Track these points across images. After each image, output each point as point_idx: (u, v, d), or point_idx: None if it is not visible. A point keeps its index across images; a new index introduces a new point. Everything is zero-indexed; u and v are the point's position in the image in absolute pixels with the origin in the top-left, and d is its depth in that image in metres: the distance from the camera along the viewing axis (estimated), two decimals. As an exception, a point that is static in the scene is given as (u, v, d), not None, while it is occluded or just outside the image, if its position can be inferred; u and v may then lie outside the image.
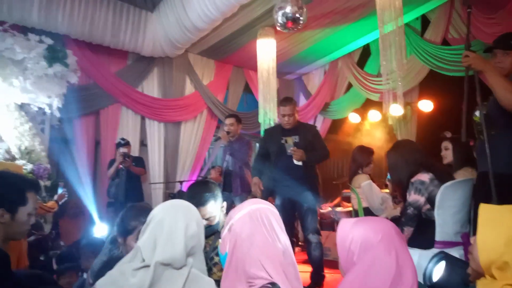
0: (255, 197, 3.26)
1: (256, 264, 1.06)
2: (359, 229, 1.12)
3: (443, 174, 2.39)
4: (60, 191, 3.96)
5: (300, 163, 3.37)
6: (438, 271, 1.38)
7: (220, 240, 1.32)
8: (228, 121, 4.27)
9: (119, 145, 4.42)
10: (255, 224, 1.12)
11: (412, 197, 2.35)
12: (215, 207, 1.85)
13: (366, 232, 1.10)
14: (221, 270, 1.50)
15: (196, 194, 1.82)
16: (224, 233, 1.22)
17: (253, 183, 3.45)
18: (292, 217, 3.61)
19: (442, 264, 1.38)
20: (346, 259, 1.12)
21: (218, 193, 1.88)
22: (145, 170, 4.87)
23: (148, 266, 1.12)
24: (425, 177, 2.35)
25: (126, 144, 4.50)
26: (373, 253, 1.06)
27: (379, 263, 1.05)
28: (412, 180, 2.38)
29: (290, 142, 3.35)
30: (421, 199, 2.33)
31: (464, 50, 2.11)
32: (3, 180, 1.49)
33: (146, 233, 1.20)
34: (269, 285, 1.03)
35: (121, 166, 4.17)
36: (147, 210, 1.76)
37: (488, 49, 2.22)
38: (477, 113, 2.21)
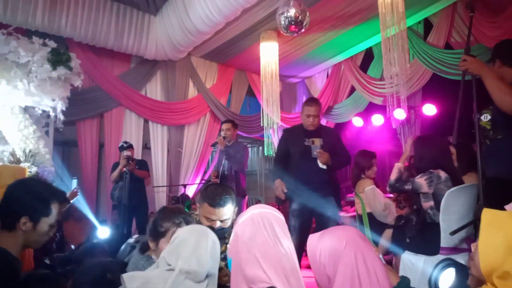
0: (281, 200, 3.36)
1: (256, 267, 1.06)
2: (325, 240, 1.16)
3: (458, 179, 2.46)
4: (74, 184, 3.88)
5: (324, 167, 3.14)
6: (445, 278, 1.37)
7: (227, 244, 1.35)
8: (225, 126, 4.36)
9: (122, 148, 4.42)
10: (256, 228, 1.12)
11: (420, 179, 2.45)
12: (231, 210, 1.87)
13: (331, 242, 1.14)
14: (226, 275, 1.51)
15: (217, 195, 1.82)
16: (231, 237, 1.22)
17: (276, 186, 3.18)
18: (309, 223, 3.29)
19: (450, 271, 1.37)
20: (319, 273, 1.15)
21: (234, 198, 1.91)
22: (149, 173, 4.88)
23: (173, 270, 1.14)
24: (443, 174, 2.43)
25: (129, 147, 4.50)
26: (342, 261, 1.09)
27: (351, 270, 1.07)
28: (432, 170, 2.46)
29: (317, 143, 3.12)
30: (425, 189, 2.42)
31: (464, 54, 2.11)
32: (30, 189, 1.48)
33: (170, 248, 1.23)
34: None
35: (124, 169, 4.16)
36: (179, 211, 1.77)
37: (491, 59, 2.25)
38: (483, 117, 2.21)
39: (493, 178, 2.01)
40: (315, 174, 3.10)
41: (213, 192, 1.84)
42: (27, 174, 3.67)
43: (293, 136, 3.34)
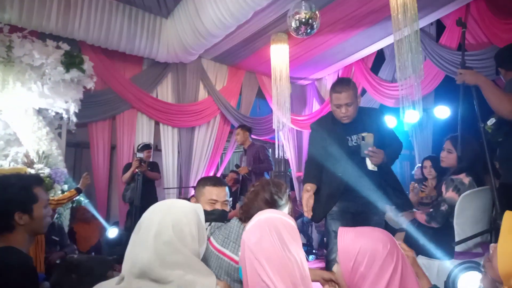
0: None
1: (262, 273, 1.04)
2: (366, 239, 1.15)
3: (482, 181, 2.42)
4: None
5: (375, 168, 2.40)
6: (466, 279, 1.38)
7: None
8: (236, 131, 4.72)
9: (145, 147, 4.52)
10: (262, 234, 1.10)
11: (450, 194, 2.38)
12: (228, 195, 1.94)
13: (374, 243, 1.14)
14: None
15: (216, 177, 1.94)
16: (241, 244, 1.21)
17: (304, 191, 2.36)
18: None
19: (472, 274, 1.37)
20: (351, 269, 1.14)
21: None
22: (160, 175, 4.93)
23: (123, 278, 1.04)
24: (466, 179, 2.39)
25: (149, 147, 4.64)
26: (381, 264, 1.10)
27: (386, 273, 1.09)
28: (454, 177, 2.41)
29: (369, 140, 2.33)
30: (458, 199, 2.35)
31: (460, 68, 2.20)
32: (7, 185, 1.48)
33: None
34: None
35: (137, 170, 4.20)
36: None
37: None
38: (489, 122, 2.22)
39: (504, 183, 2.04)
40: (362, 179, 2.37)
41: (210, 177, 2.01)
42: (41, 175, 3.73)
43: (329, 132, 2.50)
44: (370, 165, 2.38)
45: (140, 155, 4.32)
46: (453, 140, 2.63)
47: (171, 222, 1.09)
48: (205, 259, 1.36)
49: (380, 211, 2.44)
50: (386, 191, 2.39)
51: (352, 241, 1.17)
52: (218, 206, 1.84)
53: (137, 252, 1.05)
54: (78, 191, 3.46)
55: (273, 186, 1.58)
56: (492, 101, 2.00)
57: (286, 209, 1.60)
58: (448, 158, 2.66)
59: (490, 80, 2.11)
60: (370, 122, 2.44)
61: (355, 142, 2.42)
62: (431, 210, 2.47)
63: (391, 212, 3.12)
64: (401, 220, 3.07)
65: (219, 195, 1.86)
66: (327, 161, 2.44)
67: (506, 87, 2.12)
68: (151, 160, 4.76)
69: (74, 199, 3.55)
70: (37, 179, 1.61)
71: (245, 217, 1.56)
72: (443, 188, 2.44)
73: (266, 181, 1.63)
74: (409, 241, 2.66)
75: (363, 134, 2.35)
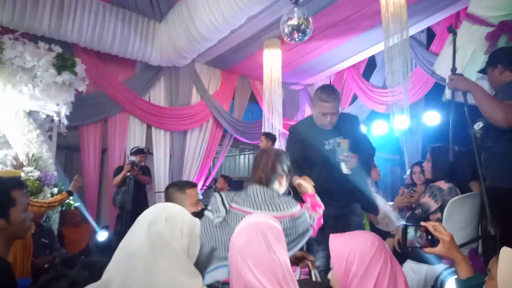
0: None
1: (249, 274, 1.09)
2: (356, 241, 1.24)
3: (465, 186, 2.46)
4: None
5: (350, 172, 2.44)
6: (454, 283, 1.40)
7: None
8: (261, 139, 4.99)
9: (138, 152, 4.51)
10: (250, 236, 1.15)
11: (425, 199, 2.44)
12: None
13: (362, 243, 1.23)
14: None
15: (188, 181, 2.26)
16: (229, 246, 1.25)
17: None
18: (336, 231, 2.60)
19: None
20: (343, 270, 1.22)
21: None
22: (151, 179, 4.91)
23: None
24: (444, 185, 2.42)
25: (143, 152, 4.63)
26: (371, 262, 1.18)
27: (377, 270, 1.17)
28: (431, 184, 2.46)
29: (345, 146, 2.38)
30: (433, 205, 2.40)
31: (451, 74, 2.18)
32: None
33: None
34: None
35: (128, 174, 4.19)
36: None
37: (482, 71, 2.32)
38: (476, 125, 2.24)
39: (490, 187, 2.03)
40: (337, 182, 2.43)
41: (184, 181, 2.41)
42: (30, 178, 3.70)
43: (308, 136, 2.58)
44: (345, 169, 2.44)
45: (132, 158, 4.30)
46: (431, 150, 2.73)
47: (165, 215, 1.15)
48: (227, 223, 1.69)
49: (359, 212, 2.56)
50: (357, 194, 2.49)
51: (342, 245, 1.25)
52: (200, 206, 1.98)
53: (133, 238, 1.11)
54: (70, 194, 3.43)
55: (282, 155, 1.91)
56: (484, 108, 1.99)
57: (284, 180, 1.90)
58: (428, 167, 2.73)
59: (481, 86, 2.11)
60: (346, 128, 2.53)
61: (332, 146, 2.49)
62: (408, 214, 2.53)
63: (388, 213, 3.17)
64: (393, 215, 3.12)
65: (198, 194, 2.05)
66: (305, 163, 2.52)
67: (500, 92, 2.10)
68: (143, 164, 4.75)
69: (64, 202, 3.53)
70: (16, 182, 1.56)
71: (266, 180, 1.84)
72: (422, 196, 2.51)
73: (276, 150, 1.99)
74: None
75: (339, 140, 2.43)
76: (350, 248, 1.21)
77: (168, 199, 2.00)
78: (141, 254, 1.06)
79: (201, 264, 1.50)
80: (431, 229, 1.33)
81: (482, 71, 2.33)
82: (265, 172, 1.85)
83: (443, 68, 2.61)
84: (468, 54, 2.50)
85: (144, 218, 1.16)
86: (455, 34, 2.26)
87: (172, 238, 1.11)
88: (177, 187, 2.02)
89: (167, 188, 2.09)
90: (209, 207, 1.82)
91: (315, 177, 2.34)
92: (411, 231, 1.34)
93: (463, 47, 2.48)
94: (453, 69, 2.21)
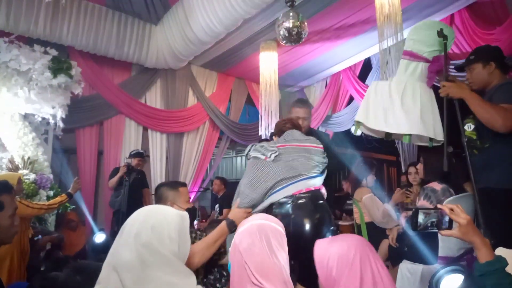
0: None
1: (250, 277, 1.10)
2: (335, 246, 1.22)
3: (459, 187, 2.46)
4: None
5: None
6: (449, 282, 1.40)
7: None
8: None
9: (137, 155, 4.51)
10: (253, 239, 1.16)
11: (421, 202, 2.43)
12: None
13: (341, 248, 1.20)
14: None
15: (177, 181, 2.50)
16: (231, 244, 1.27)
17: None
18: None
19: (456, 277, 1.39)
20: (326, 276, 1.20)
21: None
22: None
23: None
24: (437, 186, 2.42)
25: (141, 156, 4.62)
26: (349, 265, 1.15)
27: (357, 273, 1.14)
28: (425, 186, 2.47)
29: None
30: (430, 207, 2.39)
31: (443, 80, 2.14)
32: None
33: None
34: None
35: (125, 176, 4.18)
36: None
37: (461, 68, 2.35)
38: (467, 127, 2.22)
39: (485, 189, 2.02)
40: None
41: (174, 181, 2.56)
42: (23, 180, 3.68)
43: None
44: None
45: (129, 160, 4.30)
46: (423, 152, 2.78)
47: (151, 224, 1.12)
48: (280, 156, 1.95)
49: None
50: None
51: (323, 250, 1.23)
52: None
53: (120, 252, 1.09)
54: (69, 196, 3.41)
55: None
56: (481, 115, 1.97)
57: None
58: (421, 169, 2.76)
59: (474, 92, 2.07)
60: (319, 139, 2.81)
61: None
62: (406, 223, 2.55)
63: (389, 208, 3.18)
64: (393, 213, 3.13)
65: (189, 192, 2.33)
66: None
67: (494, 95, 2.07)
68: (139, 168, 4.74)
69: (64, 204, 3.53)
70: (5, 187, 1.52)
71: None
72: (417, 200, 2.52)
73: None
74: (400, 243, 2.77)
75: None
76: (329, 253, 1.20)
77: (160, 198, 2.00)
78: (130, 268, 1.05)
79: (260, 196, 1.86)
80: (447, 211, 1.29)
81: (460, 68, 2.37)
82: (293, 123, 2.28)
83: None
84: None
85: (130, 230, 1.12)
86: (445, 38, 2.25)
87: (160, 245, 1.09)
88: (169, 186, 2.05)
89: (157, 188, 2.08)
90: (255, 152, 2.05)
91: None
92: (421, 216, 1.30)
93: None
94: (446, 75, 2.17)
